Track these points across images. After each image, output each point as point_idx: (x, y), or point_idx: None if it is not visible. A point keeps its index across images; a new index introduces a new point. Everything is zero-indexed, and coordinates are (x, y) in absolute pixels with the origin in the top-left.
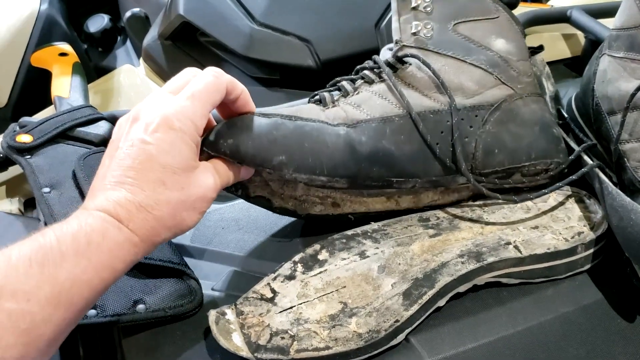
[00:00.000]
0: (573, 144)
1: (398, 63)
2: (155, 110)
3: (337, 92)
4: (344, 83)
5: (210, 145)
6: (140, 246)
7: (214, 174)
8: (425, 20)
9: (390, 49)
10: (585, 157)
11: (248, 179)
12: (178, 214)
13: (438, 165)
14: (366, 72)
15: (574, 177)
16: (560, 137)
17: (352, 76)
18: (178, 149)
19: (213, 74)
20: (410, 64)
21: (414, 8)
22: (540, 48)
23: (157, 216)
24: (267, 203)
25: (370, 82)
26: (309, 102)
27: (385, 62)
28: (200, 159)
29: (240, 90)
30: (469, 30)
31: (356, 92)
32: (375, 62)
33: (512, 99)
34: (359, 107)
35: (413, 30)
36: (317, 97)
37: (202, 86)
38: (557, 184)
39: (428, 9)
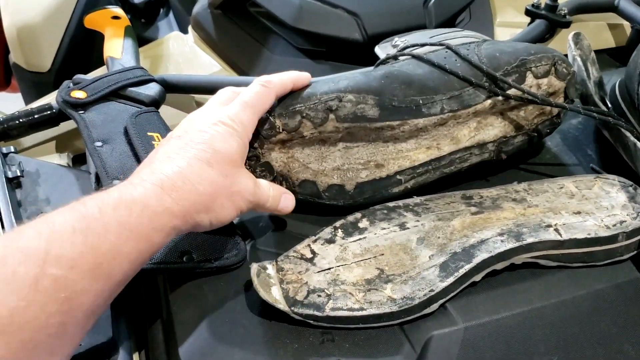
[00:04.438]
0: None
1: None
2: (209, 115)
3: None
4: None
5: None
6: (179, 218)
7: (255, 182)
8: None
9: None
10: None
11: (287, 168)
12: (218, 198)
13: (453, 77)
14: None
15: (595, 114)
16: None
17: None
18: (229, 141)
19: (261, 83)
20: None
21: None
22: None
23: (200, 191)
24: (313, 186)
25: None
26: None
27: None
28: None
29: (292, 84)
30: None
31: None
32: None
33: None
34: None
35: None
36: None
37: (252, 94)
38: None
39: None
